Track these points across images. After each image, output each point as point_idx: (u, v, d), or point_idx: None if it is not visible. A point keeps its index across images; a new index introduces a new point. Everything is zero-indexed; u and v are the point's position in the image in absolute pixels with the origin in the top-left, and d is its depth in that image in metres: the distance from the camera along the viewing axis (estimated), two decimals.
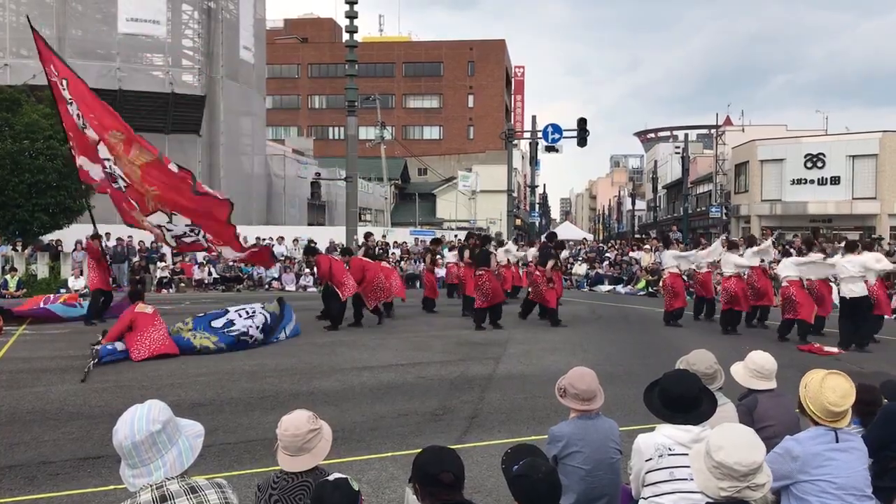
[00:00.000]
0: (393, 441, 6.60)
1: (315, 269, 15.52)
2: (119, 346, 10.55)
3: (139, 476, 2.51)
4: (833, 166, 39.93)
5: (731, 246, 15.12)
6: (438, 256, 21.05)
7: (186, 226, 14.16)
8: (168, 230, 14.35)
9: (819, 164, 40.30)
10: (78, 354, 10.63)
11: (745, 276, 14.55)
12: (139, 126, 29.92)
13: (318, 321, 15.06)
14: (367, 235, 19.49)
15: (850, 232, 35.57)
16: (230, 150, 34.44)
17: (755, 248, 14.87)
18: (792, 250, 17.72)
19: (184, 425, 2.67)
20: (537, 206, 48.29)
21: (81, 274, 22.20)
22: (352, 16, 23.81)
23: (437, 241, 22.61)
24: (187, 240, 14.64)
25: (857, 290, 12.29)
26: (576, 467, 3.92)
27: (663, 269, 16.77)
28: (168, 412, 2.60)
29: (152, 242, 25.04)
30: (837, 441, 3.51)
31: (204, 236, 14.41)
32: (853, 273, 12.29)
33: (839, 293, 12.86)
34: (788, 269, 13.50)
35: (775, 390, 4.58)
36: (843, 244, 15.11)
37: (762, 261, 15.15)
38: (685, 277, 17.12)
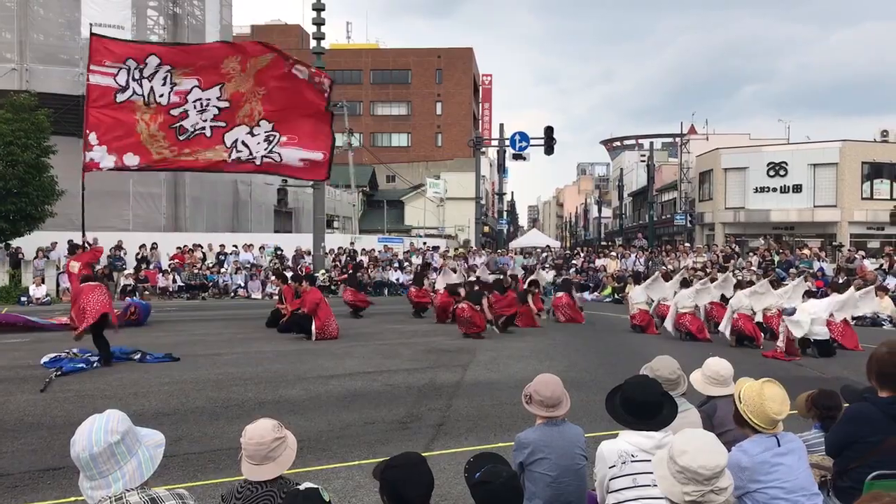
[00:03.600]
0: (360, 449, 6.56)
1: (301, 294, 14.55)
2: (81, 364, 10.36)
3: (98, 488, 2.47)
4: (795, 174, 40.62)
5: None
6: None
7: (266, 132, 14.75)
8: (238, 150, 14.75)
9: (781, 173, 40.97)
10: (38, 364, 10.43)
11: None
12: None
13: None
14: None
15: (811, 239, 36.24)
16: None
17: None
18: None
19: (144, 435, 2.63)
20: (505, 213, 48.54)
21: (43, 282, 21.82)
22: (319, 23, 23.75)
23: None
24: (242, 154, 14.95)
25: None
26: (542, 474, 3.93)
27: (635, 304, 16.15)
28: (127, 422, 2.56)
29: (114, 248, 24.72)
30: (780, 445, 3.61)
31: (272, 148, 14.86)
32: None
33: None
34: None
35: (733, 396, 4.63)
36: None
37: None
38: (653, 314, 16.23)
